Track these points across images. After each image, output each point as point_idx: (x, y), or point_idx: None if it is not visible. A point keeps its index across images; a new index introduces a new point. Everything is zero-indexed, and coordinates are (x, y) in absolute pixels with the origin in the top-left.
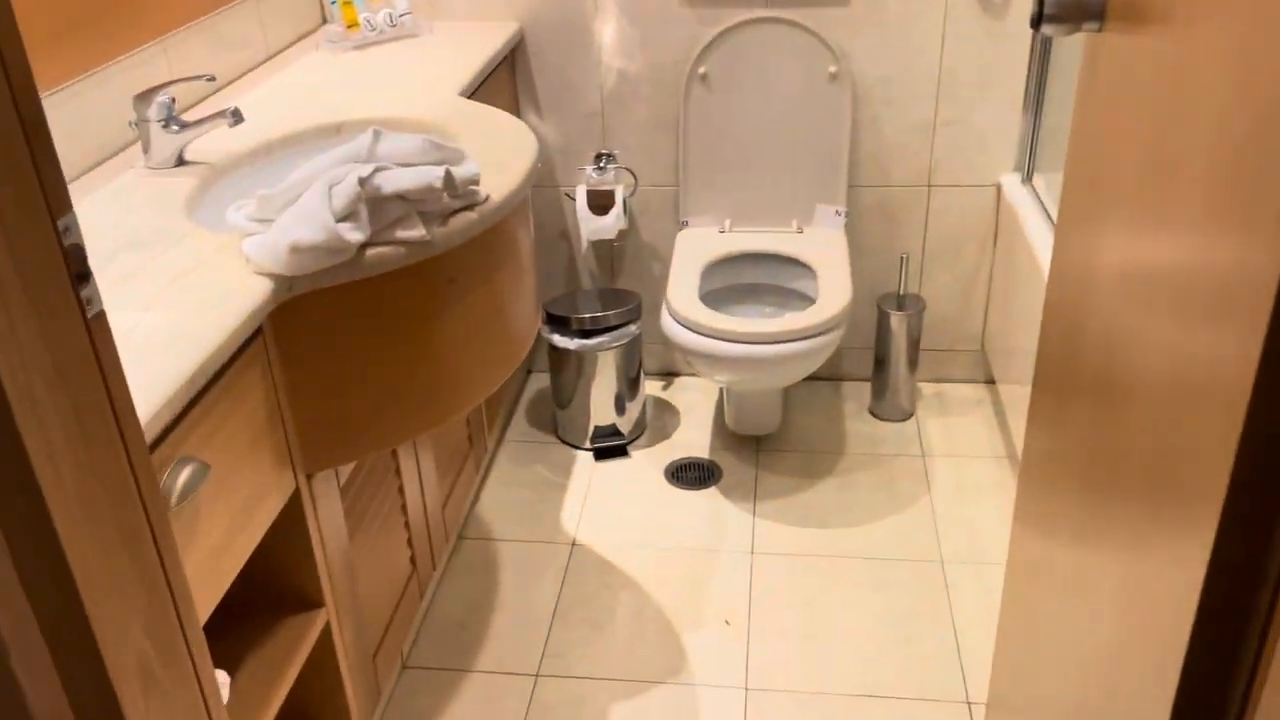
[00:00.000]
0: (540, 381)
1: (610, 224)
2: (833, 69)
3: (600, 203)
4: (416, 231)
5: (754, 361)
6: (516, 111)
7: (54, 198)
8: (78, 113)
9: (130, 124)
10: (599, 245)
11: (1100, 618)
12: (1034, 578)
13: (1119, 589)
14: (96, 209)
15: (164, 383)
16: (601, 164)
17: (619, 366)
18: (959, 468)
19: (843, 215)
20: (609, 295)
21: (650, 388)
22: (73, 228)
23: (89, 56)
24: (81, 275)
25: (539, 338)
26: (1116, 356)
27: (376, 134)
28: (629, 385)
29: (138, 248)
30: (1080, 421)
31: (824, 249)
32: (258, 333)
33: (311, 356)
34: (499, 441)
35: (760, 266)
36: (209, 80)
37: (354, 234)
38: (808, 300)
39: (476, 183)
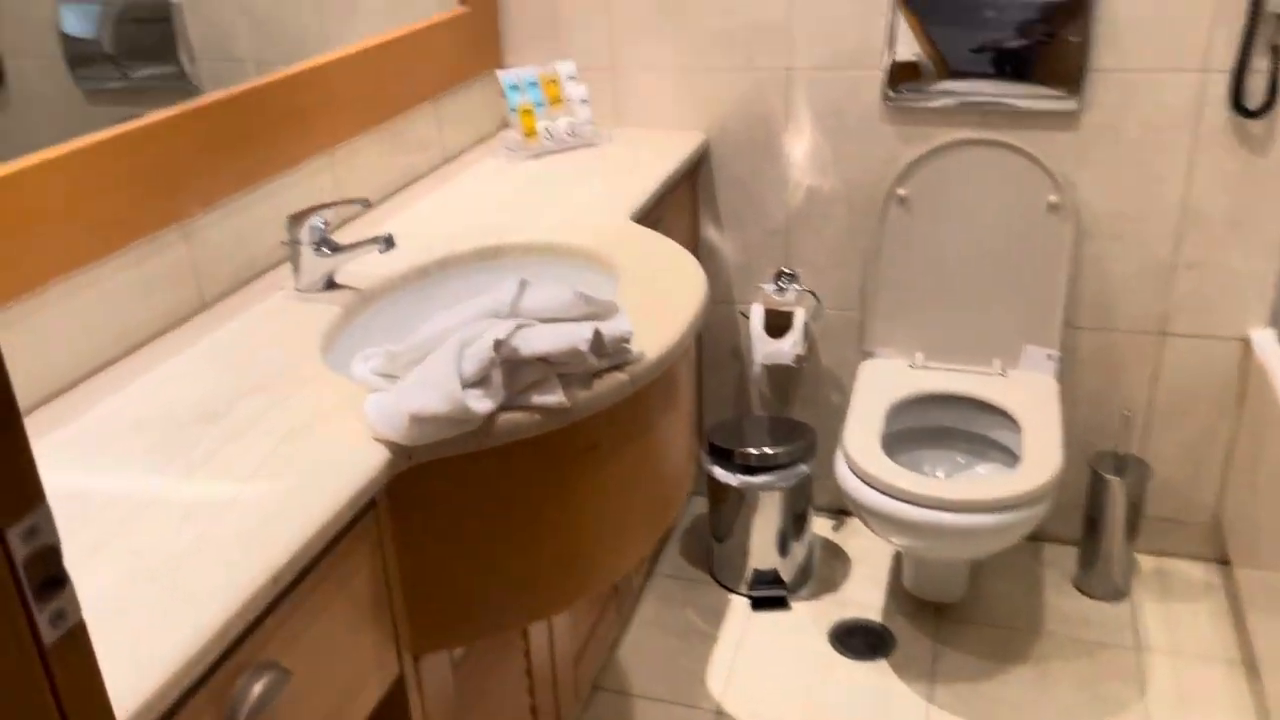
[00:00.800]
0: (699, 505)
1: (787, 349)
2: (1053, 198)
3: (777, 323)
4: (555, 397)
5: (939, 530)
6: (695, 223)
7: (11, 497)
8: (237, 228)
9: (283, 243)
10: (773, 370)
11: None
12: None
13: None
14: (235, 338)
15: (245, 581)
16: (782, 283)
17: (785, 504)
18: (1181, 670)
19: (1055, 360)
20: (780, 426)
21: (819, 526)
22: (41, 527)
23: (252, 171)
24: (52, 582)
25: (699, 465)
26: None
27: (522, 285)
28: (794, 523)
29: (261, 391)
30: None
31: (1031, 397)
32: (370, 504)
33: (430, 530)
34: (648, 575)
35: (955, 409)
36: (363, 205)
37: (482, 403)
38: (1008, 454)
39: (629, 340)
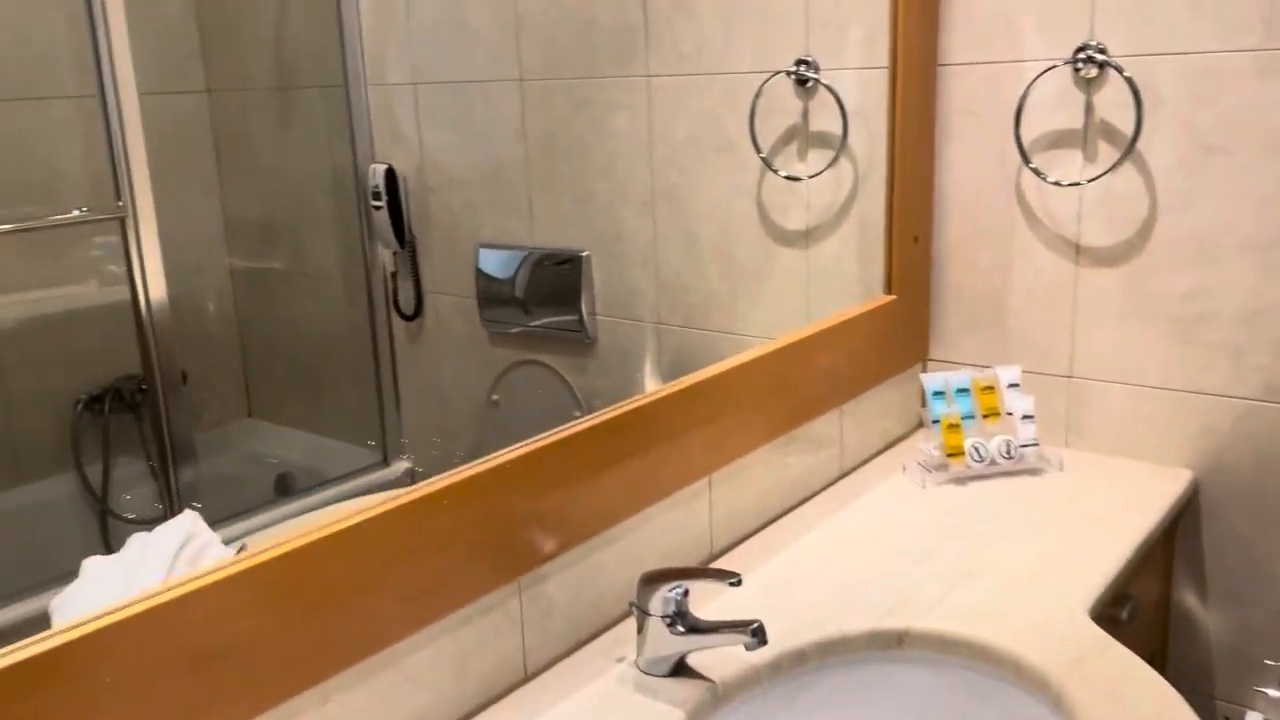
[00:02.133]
0: None
1: None
2: None
3: None
4: None
5: None
6: (1166, 581)
7: None
8: (579, 576)
9: (631, 604)
10: None
11: None
12: None
13: None
14: None
15: None
16: None
17: None
18: None
19: None
20: None
21: None
22: None
23: (614, 508)
24: None
25: None
26: None
27: None
28: None
29: None
30: None
31: None
32: None
33: None
34: None
35: None
36: (735, 583)
37: None
38: None
39: None
